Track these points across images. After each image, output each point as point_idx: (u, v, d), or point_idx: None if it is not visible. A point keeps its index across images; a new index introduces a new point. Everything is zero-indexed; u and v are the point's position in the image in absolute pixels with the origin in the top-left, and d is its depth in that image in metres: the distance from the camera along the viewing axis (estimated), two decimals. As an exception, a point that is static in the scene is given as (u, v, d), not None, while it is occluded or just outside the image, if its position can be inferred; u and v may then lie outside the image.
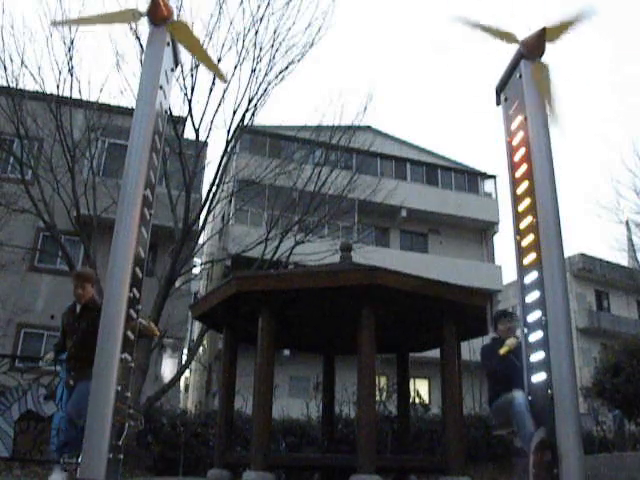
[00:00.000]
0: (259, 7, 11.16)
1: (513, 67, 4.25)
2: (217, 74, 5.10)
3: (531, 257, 3.83)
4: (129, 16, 4.10)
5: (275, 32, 11.29)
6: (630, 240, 19.47)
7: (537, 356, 3.68)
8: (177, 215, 11.20)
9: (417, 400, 11.13)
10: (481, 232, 24.39)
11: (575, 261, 26.89)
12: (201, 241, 13.00)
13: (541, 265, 3.69)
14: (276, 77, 11.52)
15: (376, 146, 17.43)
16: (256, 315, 5.75)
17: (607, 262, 27.48)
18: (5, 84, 10.86)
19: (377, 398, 8.54)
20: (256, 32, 11.14)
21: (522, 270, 3.92)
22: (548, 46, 4.08)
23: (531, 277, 3.82)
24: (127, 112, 10.87)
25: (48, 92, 11.11)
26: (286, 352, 14.76)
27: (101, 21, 4.18)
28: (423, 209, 22.79)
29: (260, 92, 11.38)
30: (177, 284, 11.94)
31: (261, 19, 11.16)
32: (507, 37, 4.16)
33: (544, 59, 4.13)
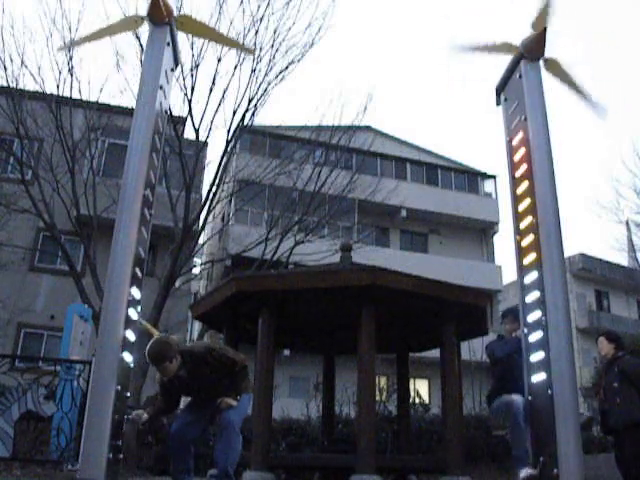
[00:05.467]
0: (259, 7, 11.17)
1: (513, 67, 4.25)
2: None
3: (531, 257, 3.83)
4: (132, 23, 4.09)
5: (275, 32, 11.30)
6: (630, 240, 19.44)
7: (537, 356, 3.68)
8: (177, 215, 11.20)
9: (417, 400, 11.12)
10: (481, 232, 24.37)
11: (575, 261, 26.86)
12: (201, 241, 13.00)
13: (541, 265, 3.70)
14: (276, 77, 11.53)
15: (376, 146, 17.41)
16: (256, 315, 5.75)
17: (607, 262, 27.45)
18: (5, 84, 10.86)
19: (377, 398, 8.54)
20: (256, 32, 11.15)
21: (522, 270, 3.93)
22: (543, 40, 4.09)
23: (531, 277, 3.82)
24: (127, 112, 10.87)
25: (48, 92, 11.11)
26: (286, 352, 14.75)
27: (105, 33, 4.10)
28: (423, 209, 22.76)
29: (260, 92, 11.40)
30: (177, 284, 11.93)
31: (261, 19, 11.17)
32: (506, 48, 4.18)
33: (550, 54, 4.14)
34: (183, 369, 3.98)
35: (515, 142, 4.18)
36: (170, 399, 4.31)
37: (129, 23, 4.12)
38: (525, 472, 3.89)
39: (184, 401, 4.79)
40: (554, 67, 4.15)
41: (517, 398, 4.23)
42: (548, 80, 4.16)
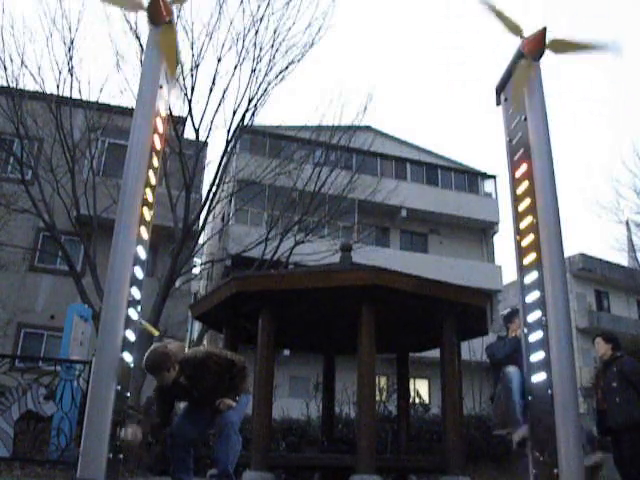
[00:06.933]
0: (259, 7, 11.19)
1: (513, 67, 4.24)
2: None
3: (531, 257, 3.83)
4: (130, 3, 4.24)
5: (275, 32, 11.32)
6: (630, 240, 19.44)
7: (537, 356, 3.68)
8: (177, 215, 11.20)
9: (417, 400, 11.12)
10: (481, 232, 24.36)
11: (575, 261, 26.85)
12: (201, 241, 13.00)
13: (541, 265, 3.69)
14: (276, 77, 11.55)
15: (376, 146, 17.40)
16: (256, 315, 5.75)
17: (607, 262, 27.43)
18: (5, 84, 10.86)
19: (377, 398, 8.54)
20: (256, 32, 11.17)
21: (522, 270, 3.92)
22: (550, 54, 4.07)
23: (531, 277, 3.81)
24: (127, 112, 10.87)
25: (48, 92, 11.11)
26: (286, 352, 14.75)
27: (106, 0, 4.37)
28: (423, 209, 22.75)
29: (260, 92, 11.41)
30: (177, 284, 11.94)
31: (261, 19, 11.19)
32: (514, 28, 4.13)
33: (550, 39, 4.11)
34: (182, 376, 3.98)
35: (515, 142, 4.18)
36: (167, 407, 4.33)
37: (128, 2, 4.30)
38: (519, 433, 3.88)
39: (181, 404, 4.80)
40: (559, 45, 4.10)
41: (511, 369, 4.23)
42: (547, 81, 4.15)
